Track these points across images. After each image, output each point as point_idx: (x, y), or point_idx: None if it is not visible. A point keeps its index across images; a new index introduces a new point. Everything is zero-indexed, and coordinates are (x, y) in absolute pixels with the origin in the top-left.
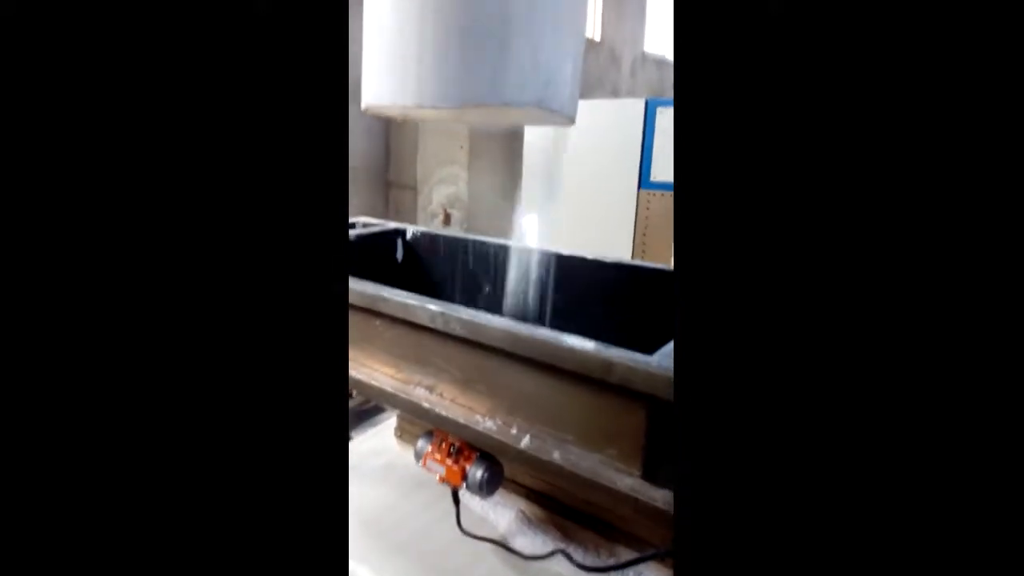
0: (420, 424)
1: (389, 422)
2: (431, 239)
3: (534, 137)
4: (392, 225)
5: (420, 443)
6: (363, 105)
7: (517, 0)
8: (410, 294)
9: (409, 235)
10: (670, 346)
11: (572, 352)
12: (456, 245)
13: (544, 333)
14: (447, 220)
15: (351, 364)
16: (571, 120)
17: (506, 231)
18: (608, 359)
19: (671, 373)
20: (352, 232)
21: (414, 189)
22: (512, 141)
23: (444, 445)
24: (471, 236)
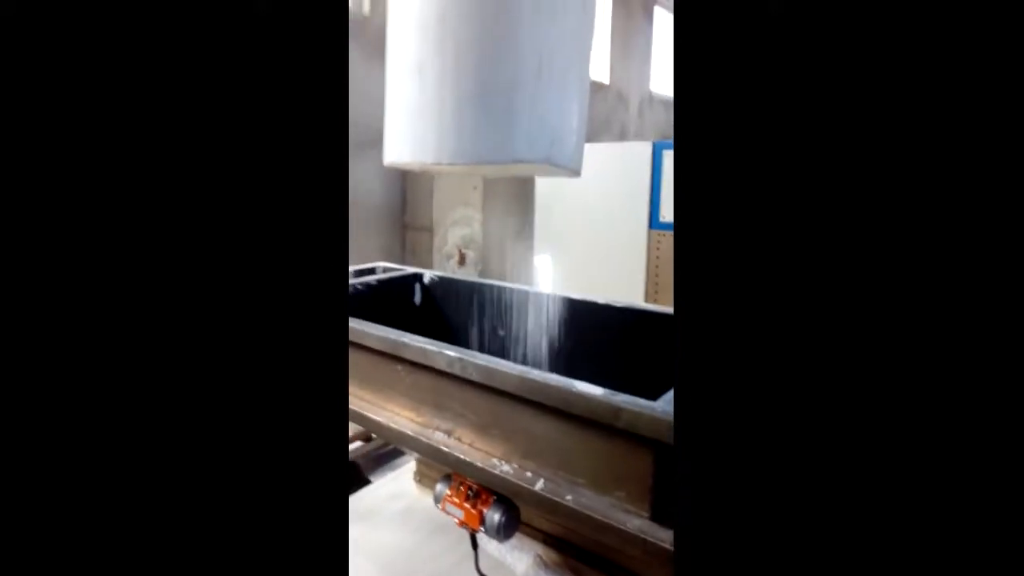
0: (438, 468)
1: (408, 466)
2: (447, 283)
3: (544, 180)
4: (411, 270)
5: (439, 487)
6: (385, 161)
7: (525, 69)
8: (429, 340)
9: (426, 279)
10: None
11: (581, 397)
12: (471, 289)
13: (555, 379)
14: (462, 261)
15: (372, 408)
16: (576, 172)
17: (520, 272)
18: (615, 405)
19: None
20: (373, 277)
21: (430, 231)
22: (524, 183)
23: (462, 488)
24: (484, 281)
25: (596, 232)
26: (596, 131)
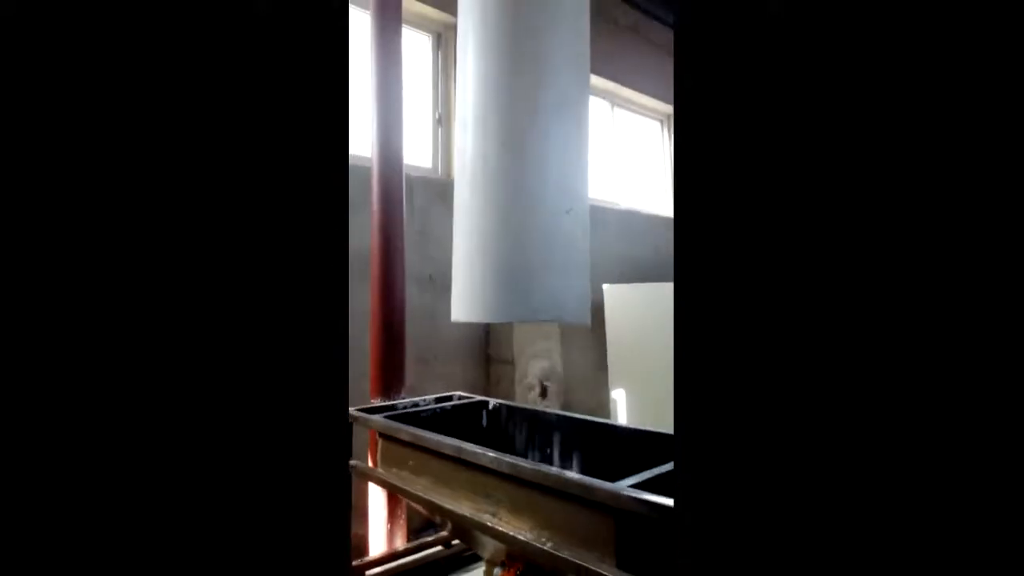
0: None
1: (479, 569)
2: (507, 409)
3: (612, 317)
4: (479, 398)
5: (496, 570)
6: (452, 319)
7: (535, 258)
8: (479, 446)
9: (491, 406)
10: (632, 478)
11: (569, 481)
12: (524, 414)
13: (555, 470)
14: (543, 393)
15: (443, 498)
16: (585, 324)
17: (600, 404)
18: (588, 484)
19: (632, 493)
20: (449, 403)
21: (511, 364)
22: (601, 315)
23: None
24: (531, 407)
25: (666, 366)
26: (667, 268)
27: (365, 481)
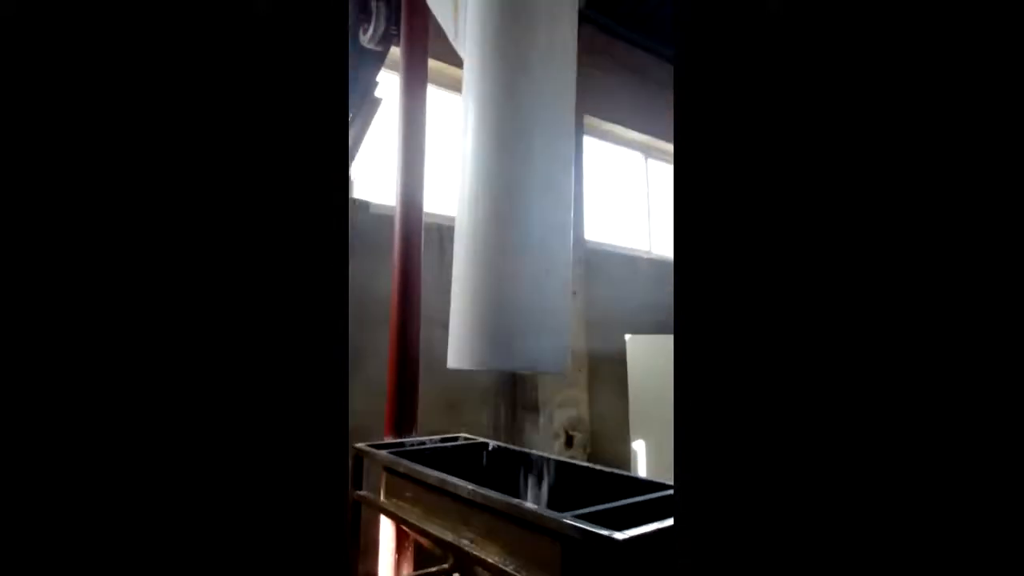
0: None
1: None
2: (504, 451)
3: (635, 365)
4: (480, 439)
5: None
6: (448, 365)
7: (515, 312)
8: (461, 479)
9: (491, 447)
10: (582, 510)
11: (526, 511)
12: (518, 456)
13: (515, 500)
14: (569, 442)
15: (433, 526)
16: (562, 375)
17: (626, 455)
18: (539, 513)
19: (573, 522)
20: (453, 443)
21: (537, 411)
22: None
23: None
24: (525, 450)
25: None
26: None
27: (376, 513)
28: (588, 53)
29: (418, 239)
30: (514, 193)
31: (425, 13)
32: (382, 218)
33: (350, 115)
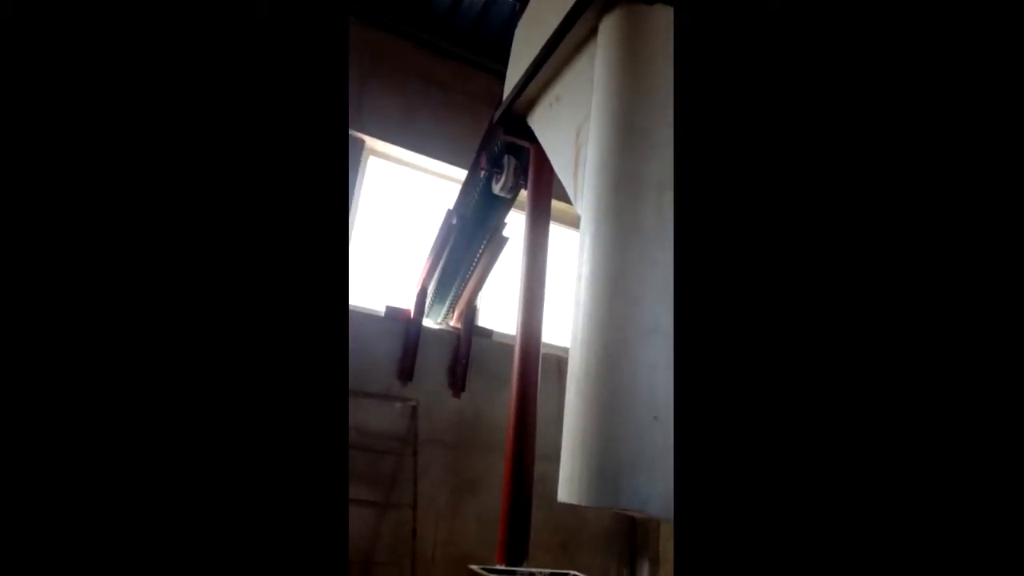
0: None
1: None
2: None
3: None
4: None
5: None
6: (559, 498)
7: (623, 455)
8: None
9: None
10: None
11: None
12: None
13: None
14: None
15: None
16: (668, 520)
17: None
18: None
19: None
20: None
21: (657, 562)
22: None
23: None
24: None
25: None
26: None
27: None
28: None
29: (535, 367)
30: (614, 346)
31: (552, 169)
32: (504, 347)
33: (479, 249)
